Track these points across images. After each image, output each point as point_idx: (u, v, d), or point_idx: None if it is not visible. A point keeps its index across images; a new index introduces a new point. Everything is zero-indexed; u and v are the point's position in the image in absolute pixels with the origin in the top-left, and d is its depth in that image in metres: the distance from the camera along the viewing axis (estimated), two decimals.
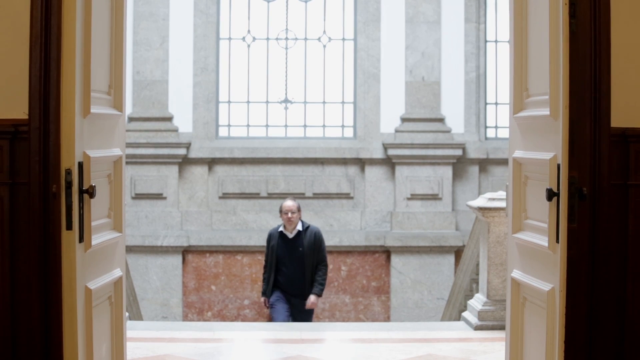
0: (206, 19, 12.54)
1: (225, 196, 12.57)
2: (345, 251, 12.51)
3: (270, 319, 9.80)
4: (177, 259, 12.49)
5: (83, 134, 4.06)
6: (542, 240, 4.23)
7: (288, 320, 9.46)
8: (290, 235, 9.63)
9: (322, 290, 9.60)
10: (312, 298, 9.51)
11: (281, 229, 9.71)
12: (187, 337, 7.38)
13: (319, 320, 12.29)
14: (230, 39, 12.77)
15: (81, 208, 4.03)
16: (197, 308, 12.53)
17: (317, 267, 9.57)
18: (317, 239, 9.64)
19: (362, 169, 12.63)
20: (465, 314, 8.02)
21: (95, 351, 4.20)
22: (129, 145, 11.83)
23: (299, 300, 9.60)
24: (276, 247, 9.63)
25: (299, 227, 9.66)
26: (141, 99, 12.48)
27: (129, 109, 12.35)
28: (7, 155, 4.08)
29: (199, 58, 12.53)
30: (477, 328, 7.60)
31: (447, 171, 12.58)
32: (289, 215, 9.59)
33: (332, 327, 9.08)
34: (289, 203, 9.69)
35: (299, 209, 9.69)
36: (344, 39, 12.82)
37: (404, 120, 12.61)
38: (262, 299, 9.92)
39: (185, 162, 12.53)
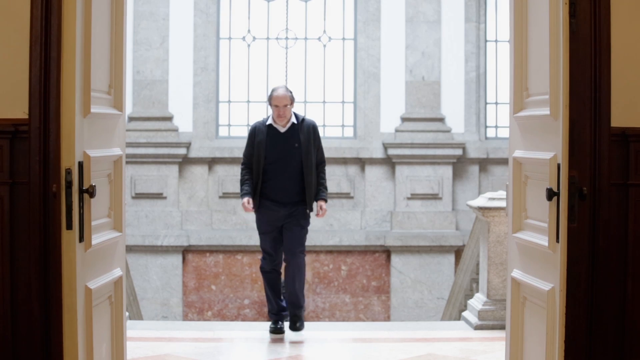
0: (206, 19, 12.54)
1: (225, 196, 12.57)
2: (346, 251, 12.51)
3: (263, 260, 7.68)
4: (177, 259, 12.49)
5: (83, 134, 4.06)
6: (542, 240, 4.23)
7: (279, 248, 7.57)
8: (283, 129, 7.50)
9: (326, 194, 7.68)
10: (323, 205, 7.59)
11: (270, 121, 7.54)
12: (187, 337, 7.38)
13: (319, 320, 12.31)
14: (230, 38, 12.78)
15: (81, 208, 4.03)
16: (197, 308, 12.53)
17: (318, 167, 7.60)
18: (316, 134, 7.60)
19: (362, 169, 12.63)
20: (465, 314, 8.02)
21: (95, 350, 4.20)
22: (129, 144, 11.83)
23: (289, 209, 7.49)
24: (264, 143, 7.46)
25: (293, 119, 7.55)
26: (141, 98, 12.49)
27: (129, 109, 12.35)
28: (7, 155, 4.08)
29: (199, 58, 12.53)
30: (477, 327, 7.60)
31: (447, 171, 12.59)
32: (281, 109, 7.44)
33: (332, 327, 9.07)
34: (281, 92, 7.48)
35: (292, 101, 7.53)
36: (344, 39, 12.82)
37: (404, 119, 12.61)
38: (245, 200, 7.51)
39: (185, 162, 12.53)
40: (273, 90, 7.54)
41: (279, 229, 7.52)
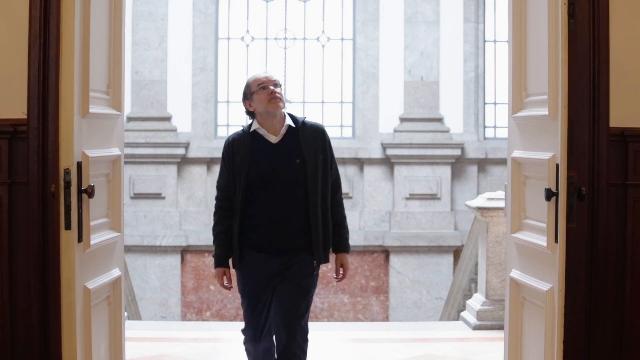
0: (205, 19, 12.54)
1: None
2: None
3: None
4: (175, 259, 12.49)
5: (82, 134, 4.06)
6: (541, 240, 4.23)
7: (269, 317, 4.85)
8: (275, 139, 4.81)
9: (348, 239, 4.96)
10: (345, 261, 4.93)
11: (255, 128, 4.85)
12: (186, 337, 7.38)
13: (317, 320, 12.30)
14: (229, 38, 12.78)
15: (80, 208, 4.02)
16: (195, 308, 12.53)
17: (332, 193, 4.88)
18: (326, 143, 4.98)
19: (361, 169, 12.63)
20: (464, 314, 8.02)
21: (94, 351, 4.20)
22: (128, 145, 11.83)
23: (285, 259, 4.75)
24: (248, 161, 4.74)
25: (289, 121, 4.85)
26: (140, 98, 12.48)
27: (127, 109, 12.35)
28: (6, 155, 4.08)
29: (198, 58, 12.53)
30: (476, 328, 7.60)
31: (445, 171, 12.58)
32: (271, 88, 4.80)
33: (330, 327, 9.07)
34: (263, 73, 4.97)
35: (280, 87, 4.89)
36: (342, 39, 12.82)
37: (402, 120, 12.61)
38: (217, 272, 4.83)
39: (184, 162, 12.53)
40: (251, 77, 4.95)
41: (272, 292, 4.80)
